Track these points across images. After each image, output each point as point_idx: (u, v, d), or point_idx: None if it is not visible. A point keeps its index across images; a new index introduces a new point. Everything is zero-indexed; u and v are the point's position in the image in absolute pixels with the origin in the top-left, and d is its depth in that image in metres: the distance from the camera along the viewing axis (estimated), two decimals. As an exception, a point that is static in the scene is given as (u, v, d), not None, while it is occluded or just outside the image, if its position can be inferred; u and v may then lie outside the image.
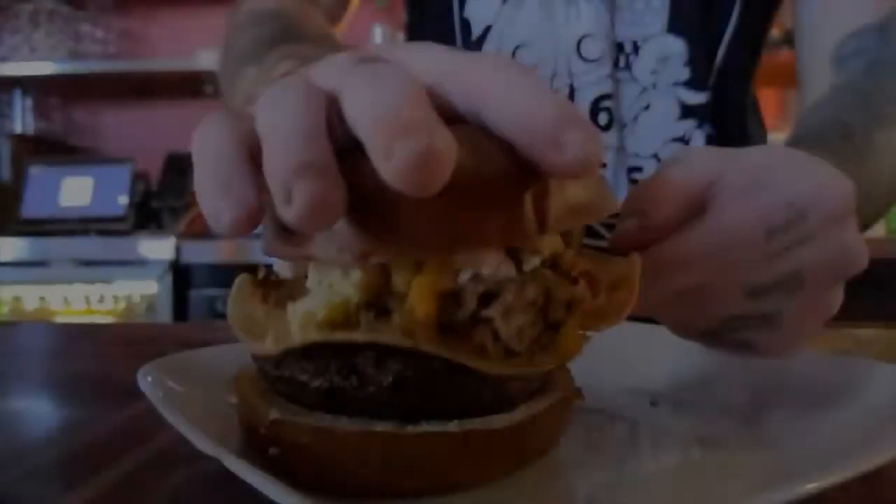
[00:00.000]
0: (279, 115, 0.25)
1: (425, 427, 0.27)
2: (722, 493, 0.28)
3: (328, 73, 0.28)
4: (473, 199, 0.25)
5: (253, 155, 0.26)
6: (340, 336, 0.27)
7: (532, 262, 0.28)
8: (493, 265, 0.27)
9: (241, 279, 0.33)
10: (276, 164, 0.24)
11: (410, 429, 0.27)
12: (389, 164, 0.22)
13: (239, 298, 0.32)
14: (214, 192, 0.25)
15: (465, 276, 0.27)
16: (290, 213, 0.23)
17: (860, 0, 0.70)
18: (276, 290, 0.32)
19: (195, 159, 0.26)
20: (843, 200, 0.34)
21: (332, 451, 0.27)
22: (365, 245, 0.25)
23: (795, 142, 0.53)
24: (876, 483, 0.29)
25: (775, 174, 0.35)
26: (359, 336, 0.27)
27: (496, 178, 0.25)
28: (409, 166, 0.21)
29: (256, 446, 0.29)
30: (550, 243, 0.30)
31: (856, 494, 0.28)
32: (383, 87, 0.24)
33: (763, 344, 0.36)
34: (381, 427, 0.27)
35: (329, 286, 0.28)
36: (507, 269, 0.27)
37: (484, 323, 0.27)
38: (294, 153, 0.23)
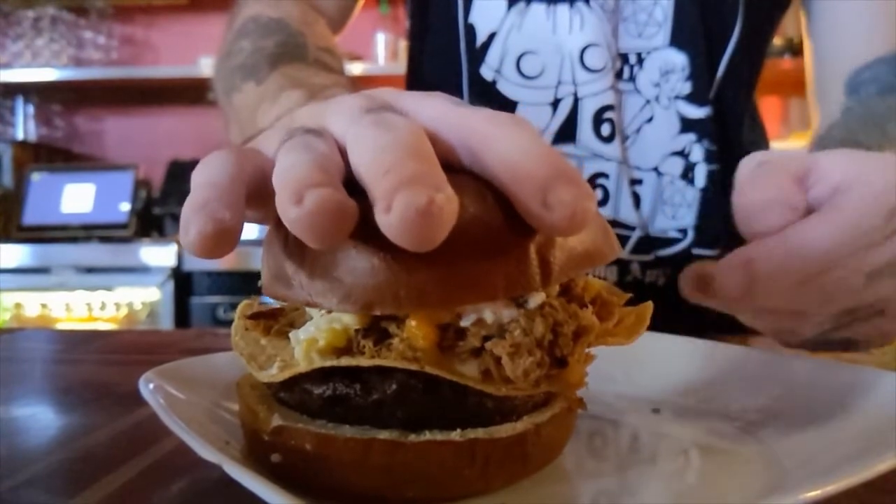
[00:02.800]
0: (297, 157, 0.25)
1: (428, 436, 0.27)
2: (723, 499, 0.28)
3: (339, 120, 0.28)
4: (478, 249, 0.25)
5: (249, 192, 0.26)
6: (346, 362, 0.27)
7: (535, 301, 0.28)
8: (495, 309, 0.27)
9: (241, 308, 0.33)
10: (288, 184, 0.24)
11: (413, 437, 0.27)
12: (389, 217, 0.22)
13: (241, 328, 0.32)
14: (191, 210, 0.25)
15: (467, 321, 0.27)
16: (298, 213, 0.23)
17: (875, 32, 0.71)
18: (275, 320, 0.32)
19: (191, 187, 0.27)
20: None
21: (335, 458, 0.27)
22: (367, 297, 0.25)
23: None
24: (875, 492, 0.29)
25: (868, 167, 0.38)
26: (363, 361, 0.27)
27: (501, 228, 0.25)
28: (409, 221, 0.21)
29: (259, 453, 0.29)
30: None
31: (855, 501, 0.28)
32: (388, 139, 0.25)
33: (868, 335, 0.39)
34: (383, 435, 0.27)
35: (328, 312, 0.28)
36: (510, 312, 0.27)
37: (488, 352, 0.27)
38: (309, 175, 0.24)
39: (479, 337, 0.27)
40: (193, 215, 0.24)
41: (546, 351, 0.27)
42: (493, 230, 0.25)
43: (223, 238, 0.24)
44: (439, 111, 0.28)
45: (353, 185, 0.25)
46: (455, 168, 0.26)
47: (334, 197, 0.23)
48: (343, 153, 0.27)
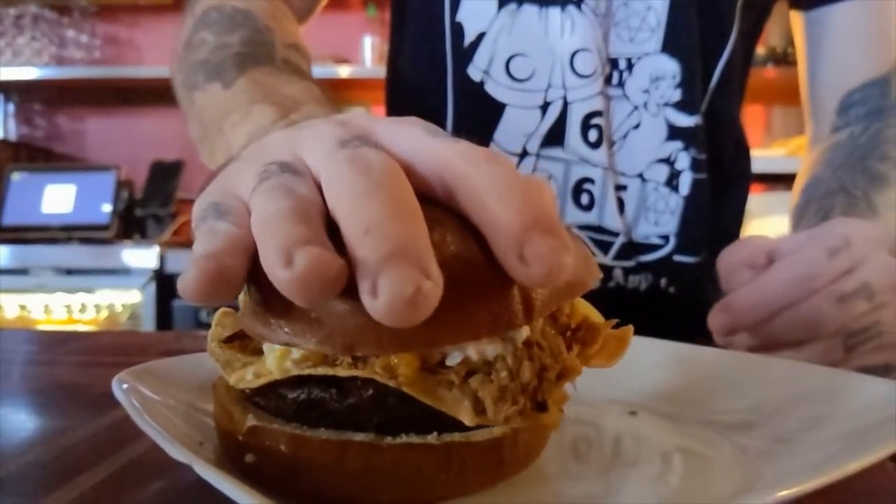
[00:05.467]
0: (278, 204, 0.25)
1: (404, 439, 0.27)
2: (703, 499, 0.28)
3: (314, 152, 0.28)
4: (461, 288, 0.24)
5: (248, 259, 0.26)
6: (322, 371, 0.27)
7: (520, 336, 0.27)
8: (479, 347, 0.27)
9: (218, 316, 0.33)
10: (275, 242, 0.23)
11: (389, 440, 0.26)
12: (375, 302, 0.21)
13: (218, 335, 0.32)
14: (192, 261, 0.24)
15: (452, 360, 0.27)
16: (288, 275, 0.22)
17: (868, 54, 0.75)
18: (251, 339, 0.31)
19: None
20: (870, 232, 0.50)
21: (310, 460, 0.26)
22: (348, 338, 0.24)
23: (804, 206, 0.67)
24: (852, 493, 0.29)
25: (818, 230, 0.51)
26: (341, 371, 0.26)
27: (482, 265, 0.25)
28: (395, 310, 0.21)
29: (233, 454, 0.28)
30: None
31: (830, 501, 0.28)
32: (365, 183, 0.24)
33: (889, 360, 0.48)
34: (359, 437, 0.26)
35: None
36: (494, 348, 0.27)
37: (471, 388, 0.27)
38: (294, 233, 0.23)
39: (461, 375, 0.27)
40: (194, 264, 0.24)
41: (529, 395, 0.27)
42: (474, 268, 0.25)
43: (223, 279, 0.24)
44: (415, 142, 0.27)
45: (332, 223, 0.25)
46: (431, 200, 0.26)
47: (324, 257, 0.22)
48: (321, 187, 0.26)
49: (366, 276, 0.22)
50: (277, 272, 0.23)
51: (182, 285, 0.24)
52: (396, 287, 0.21)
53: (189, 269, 0.24)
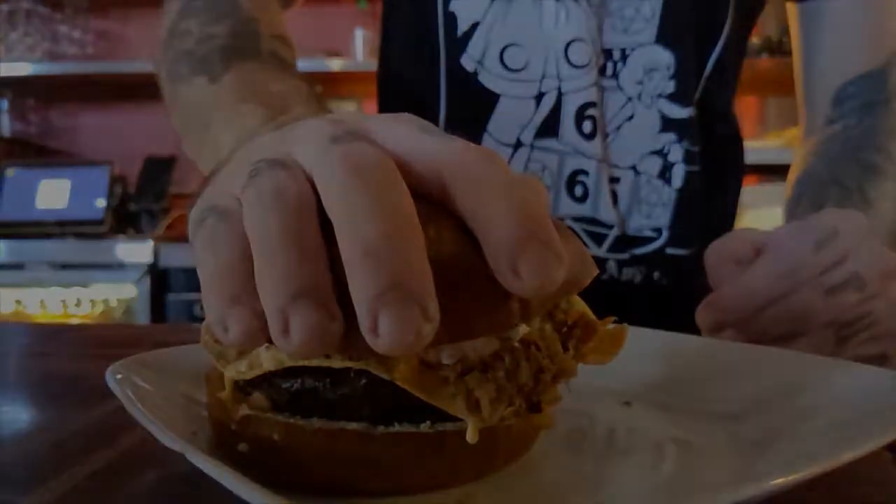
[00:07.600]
0: (271, 219, 0.24)
1: (397, 427, 0.27)
2: (696, 489, 0.28)
3: (306, 150, 0.27)
4: (458, 289, 0.24)
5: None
6: (317, 362, 0.26)
7: (517, 334, 0.27)
8: (476, 345, 0.27)
9: None
10: (273, 286, 0.23)
11: (382, 429, 0.26)
12: (376, 341, 0.22)
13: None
14: (223, 304, 0.24)
15: (449, 359, 0.27)
16: (287, 346, 0.23)
17: (864, 47, 0.75)
18: None
19: (200, 272, 0.25)
20: (860, 222, 0.49)
21: (303, 449, 0.26)
22: (346, 342, 0.24)
23: (798, 200, 0.67)
24: (847, 483, 0.29)
25: (805, 222, 0.50)
26: (336, 363, 0.26)
27: (479, 265, 0.24)
28: (394, 350, 0.22)
29: (226, 443, 0.28)
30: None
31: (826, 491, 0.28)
32: (359, 186, 0.24)
33: (884, 349, 0.48)
34: (352, 426, 0.26)
35: None
36: (490, 346, 0.27)
37: (467, 387, 0.26)
38: (290, 274, 0.23)
39: (457, 372, 0.27)
40: (230, 310, 0.24)
41: (524, 396, 0.27)
42: (471, 268, 0.25)
43: (265, 330, 0.24)
44: (410, 140, 0.27)
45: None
46: (426, 197, 0.26)
47: (319, 328, 0.22)
48: (313, 183, 0.26)
49: (365, 311, 0.22)
50: (276, 337, 0.23)
51: (230, 341, 0.24)
52: (396, 331, 0.21)
53: (230, 324, 0.24)
